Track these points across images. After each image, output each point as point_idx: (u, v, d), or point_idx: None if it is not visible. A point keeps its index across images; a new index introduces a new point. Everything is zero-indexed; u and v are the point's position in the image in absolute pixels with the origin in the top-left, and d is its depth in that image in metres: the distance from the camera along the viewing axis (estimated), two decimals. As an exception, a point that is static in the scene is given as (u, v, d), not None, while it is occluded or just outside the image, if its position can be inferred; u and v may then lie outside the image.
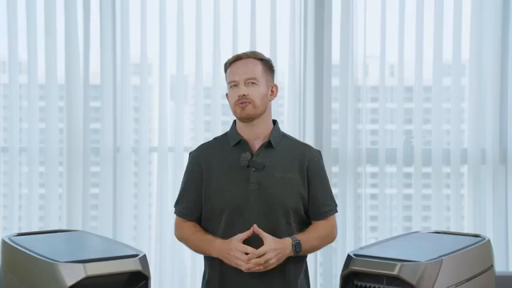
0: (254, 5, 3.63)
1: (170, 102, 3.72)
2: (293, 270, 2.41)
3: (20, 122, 3.72)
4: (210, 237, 2.39)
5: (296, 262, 2.41)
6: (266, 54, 2.51)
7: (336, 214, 2.51)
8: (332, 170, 3.63)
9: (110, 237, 3.49)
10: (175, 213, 2.52)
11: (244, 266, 2.27)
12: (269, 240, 2.28)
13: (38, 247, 1.83)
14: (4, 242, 1.95)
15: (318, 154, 2.52)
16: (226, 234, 2.36)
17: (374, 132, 3.73)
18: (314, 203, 2.44)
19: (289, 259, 2.36)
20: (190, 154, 2.54)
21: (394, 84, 3.67)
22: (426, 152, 3.65)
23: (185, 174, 2.52)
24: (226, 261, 2.32)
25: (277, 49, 3.63)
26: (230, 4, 3.65)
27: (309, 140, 3.62)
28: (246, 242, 2.30)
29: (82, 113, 3.67)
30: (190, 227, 2.46)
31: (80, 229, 3.32)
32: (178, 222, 2.51)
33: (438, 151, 3.64)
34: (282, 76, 3.64)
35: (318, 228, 2.44)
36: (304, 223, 2.45)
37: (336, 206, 2.51)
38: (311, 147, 2.55)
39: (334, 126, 3.68)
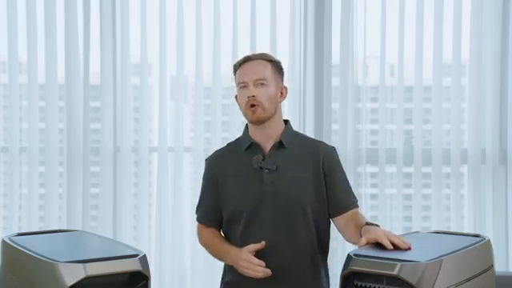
0: (254, 5, 3.63)
1: (170, 102, 3.72)
2: (311, 276, 2.40)
3: (20, 122, 3.72)
4: (225, 245, 2.42)
5: (313, 267, 2.41)
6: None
7: (358, 209, 2.44)
8: (332, 170, 3.63)
9: (110, 237, 3.49)
10: (196, 219, 2.56)
11: (251, 275, 2.26)
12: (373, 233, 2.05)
13: (38, 247, 1.82)
14: (4, 242, 1.94)
15: (333, 149, 2.50)
16: (244, 235, 2.37)
17: (373, 132, 3.73)
18: (333, 198, 2.42)
19: (306, 266, 2.38)
20: (206, 160, 2.57)
21: (394, 84, 3.67)
22: (426, 152, 3.65)
23: (202, 180, 2.56)
24: (237, 268, 2.32)
25: (277, 49, 3.62)
26: (230, 4, 3.65)
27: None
28: (259, 253, 2.28)
29: (82, 113, 3.67)
30: (209, 233, 2.50)
31: (80, 229, 3.32)
32: (199, 228, 2.55)
33: (438, 151, 3.64)
34: (282, 76, 3.64)
35: (358, 216, 2.37)
36: (322, 221, 2.43)
37: (357, 200, 2.46)
38: (325, 143, 2.55)
39: (334, 126, 3.68)
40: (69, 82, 3.67)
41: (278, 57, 3.55)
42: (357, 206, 2.45)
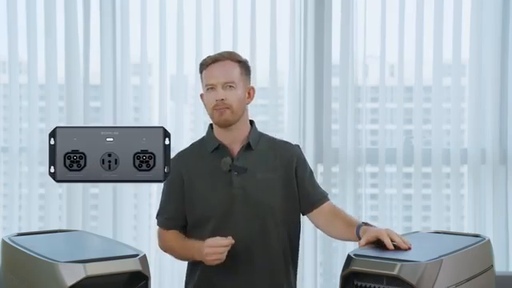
0: (254, 5, 3.63)
1: (170, 102, 3.72)
2: (284, 276, 2.40)
3: (20, 121, 3.72)
4: (189, 241, 2.35)
5: (285, 267, 2.41)
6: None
7: (331, 202, 2.47)
8: (332, 170, 3.63)
9: (110, 237, 3.49)
10: (158, 224, 2.47)
11: (218, 259, 2.21)
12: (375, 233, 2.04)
13: (38, 247, 1.82)
14: (4, 242, 1.94)
15: (299, 147, 2.51)
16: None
17: (373, 132, 3.73)
18: (306, 195, 2.42)
19: (279, 267, 2.37)
20: None
21: (394, 84, 3.67)
22: (426, 152, 3.65)
23: (165, 183, 2.45)
24: (205, 260, 2.25)
25: (277, 49, 3.62)
26: (230, 4, 3.65)
27: (309, 140, 3.62)
28: (232, 255, 2.24)
29: (82, 113, 3.67)
30: (173, 235, 2.42)
31: (80, 229, 3.31)
32: (161, 233, 2.46)
33: (437, 151, 3.64)
34: (281, 76, 3.64)
35: (340, 211, 2.41)
36: (292, 222, 2.43)
37: (327, 194, 2.48)
38: (290, 143, 2.53)
39: (334, 126, 3.68)
40: (69, 82, 3.67)
41: (278, 57, 3.61)
42: (329, 199, 2.45)
